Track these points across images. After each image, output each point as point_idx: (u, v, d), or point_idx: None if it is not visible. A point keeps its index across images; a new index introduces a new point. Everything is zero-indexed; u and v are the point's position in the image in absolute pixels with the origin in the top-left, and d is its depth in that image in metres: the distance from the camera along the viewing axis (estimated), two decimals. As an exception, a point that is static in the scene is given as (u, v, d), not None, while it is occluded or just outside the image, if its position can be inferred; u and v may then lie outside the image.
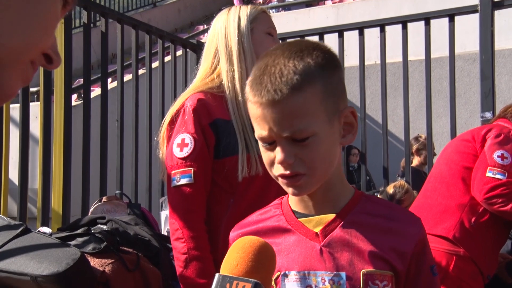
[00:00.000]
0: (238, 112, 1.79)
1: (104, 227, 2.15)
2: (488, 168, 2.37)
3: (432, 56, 3.69)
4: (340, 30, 3.93)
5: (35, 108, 3.30)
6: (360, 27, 3.87)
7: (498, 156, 2.38)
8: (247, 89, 1.05)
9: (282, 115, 0.98)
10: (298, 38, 3.74)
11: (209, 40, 1.90)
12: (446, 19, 3.65)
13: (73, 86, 3.44)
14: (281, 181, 1.03)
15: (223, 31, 1.86)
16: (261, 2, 10.76)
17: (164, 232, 2.64)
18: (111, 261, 1.96)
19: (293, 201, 1.11)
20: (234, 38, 1.83)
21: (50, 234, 2.03)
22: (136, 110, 3.48)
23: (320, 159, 1.01)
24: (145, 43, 3.76)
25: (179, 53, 4.35)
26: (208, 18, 10.57)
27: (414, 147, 5.62)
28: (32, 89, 4.49)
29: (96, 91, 5.09)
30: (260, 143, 1.04)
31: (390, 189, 3.19)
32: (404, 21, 3.77)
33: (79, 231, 2.08)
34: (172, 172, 1.76)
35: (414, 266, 1.04)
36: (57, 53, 0.61)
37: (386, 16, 5.14)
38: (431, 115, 3.64)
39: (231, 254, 0.85)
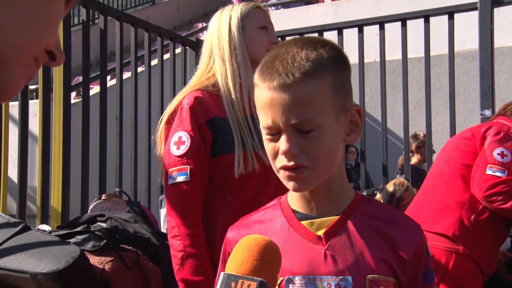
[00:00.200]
0: (233, 109, 1.80)
1: (104, 225, 2.15)
2: (488, 165, 2.37)
3: (431, 54, 3.68)
4: (339, 28, 3.93)
5: (34, 106, 3.29)
6: (359, 25, 3.86)
7: (498, 154, 2.38)
8: (256, 75, 1.03)
9: (292, 101, 0.96)
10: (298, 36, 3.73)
11: (205, 40, 1.94)
12: (446, 17, 3.64)
13: (72, 84, 3.43)
14: (283, 174, 1.01)
15: (216, 31, 1.89)
16: (260, 0, 10.74)
17: (163, 230, 2.64)
18: (110, 258, 1.96)
19: (293, 200, 1.09)
20: (225, 37, 1.86)
21: (50, 232, 2.03)
22: (135, 107, 3.48)
23: (324, 153, 1.00)
24: (144, 41, 3.76)
25: (178, 50, 4.35)
26: (207, 16, 10.55)
27: (414, 145, 5.62)
28: (31, 87, 4.48)
29: (95, 89, 5.08)
30: (264, 135, 1.03)
31: (390, 187, 3.17)
32: (403, 19, 3.76)
33: (79, 229, 2.08)
34: (169, 169, 1.76)
35: (411, 272, 1.04)
36: (60, 50, 0.61)
37: (385, 13, 5.13)
38: (431, 112, 3.63)
39: (236, 252, 0.84)
